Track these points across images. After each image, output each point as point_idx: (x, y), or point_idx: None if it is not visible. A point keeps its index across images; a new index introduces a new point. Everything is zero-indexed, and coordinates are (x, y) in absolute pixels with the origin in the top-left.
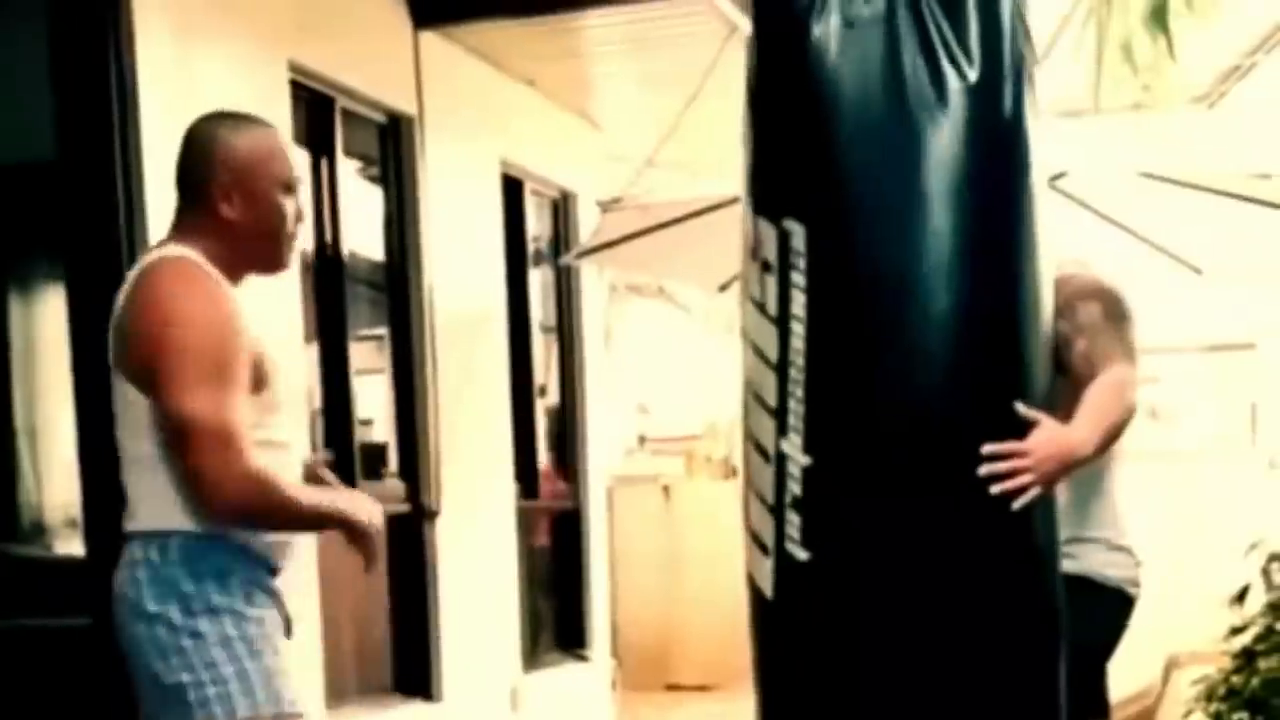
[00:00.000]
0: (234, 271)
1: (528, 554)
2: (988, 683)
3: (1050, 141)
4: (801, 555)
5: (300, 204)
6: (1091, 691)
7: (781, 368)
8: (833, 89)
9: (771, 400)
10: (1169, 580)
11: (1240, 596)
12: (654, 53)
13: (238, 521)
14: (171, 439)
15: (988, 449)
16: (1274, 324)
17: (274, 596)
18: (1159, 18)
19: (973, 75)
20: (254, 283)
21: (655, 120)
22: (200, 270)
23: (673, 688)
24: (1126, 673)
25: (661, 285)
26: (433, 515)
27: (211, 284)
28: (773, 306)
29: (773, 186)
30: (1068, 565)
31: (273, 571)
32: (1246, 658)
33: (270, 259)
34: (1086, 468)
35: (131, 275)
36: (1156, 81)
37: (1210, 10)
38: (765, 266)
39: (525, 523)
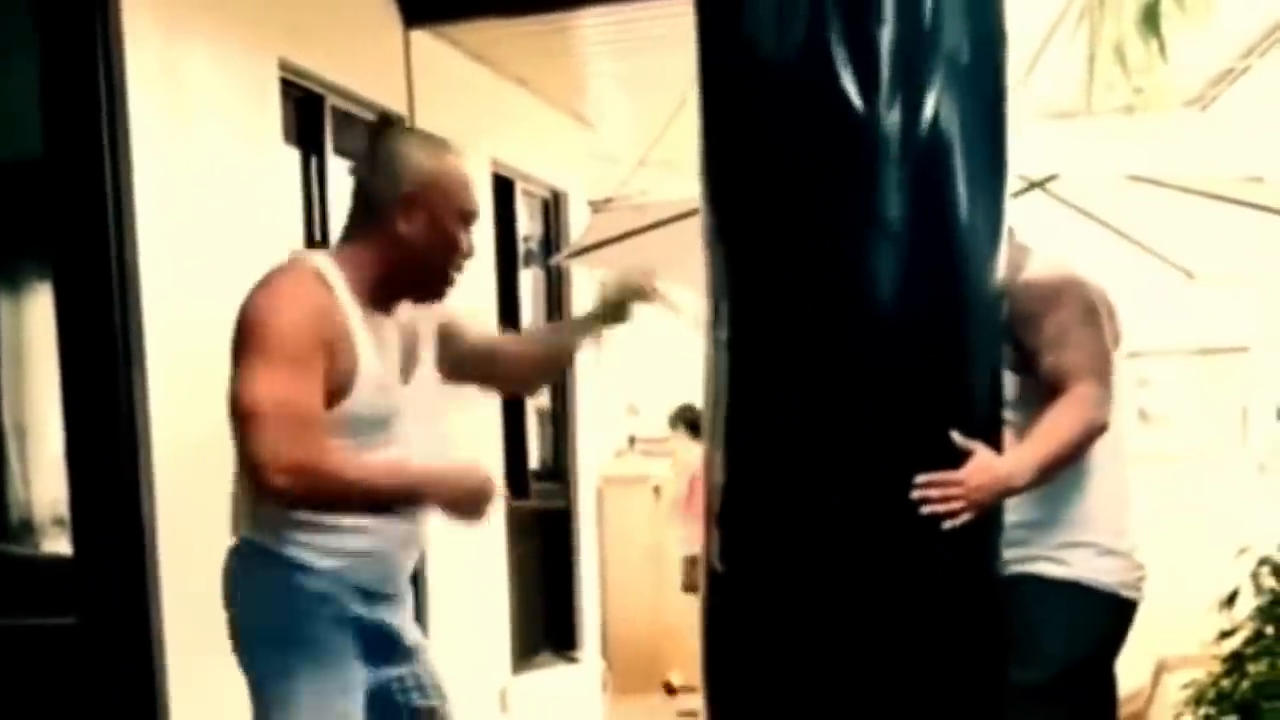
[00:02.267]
0: (389, 292)
1: (517, 555)
2: (911, 700)
3: (1042, 144)
4: (719, 568)
5: (472, 240)
6: (1096, 699)
7: (717, 388)
8: (771, 100)
9: (709, 415)
10: (1159, 583)
11: (1230, 600)
12: (646, 52)
13: (294, 505)
14: (231, 427)
15: (921, 479)
16: (1265, 328)
17: (363, 627)
18: (1151, 20)
19: (897, 89)
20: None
21: (647, 120)
22: (309, 275)
23: (663, 689)
24: (1117, 677)
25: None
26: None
27: (307, 289)
28: (709, 320)
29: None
30: (1057, 571)
31: (371, 597)
32: (1236, 661)
33: (431, 288)
34: (1071, 472)
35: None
36: (1149, 84)
37: (1203, 13)
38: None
39: (515, 523)
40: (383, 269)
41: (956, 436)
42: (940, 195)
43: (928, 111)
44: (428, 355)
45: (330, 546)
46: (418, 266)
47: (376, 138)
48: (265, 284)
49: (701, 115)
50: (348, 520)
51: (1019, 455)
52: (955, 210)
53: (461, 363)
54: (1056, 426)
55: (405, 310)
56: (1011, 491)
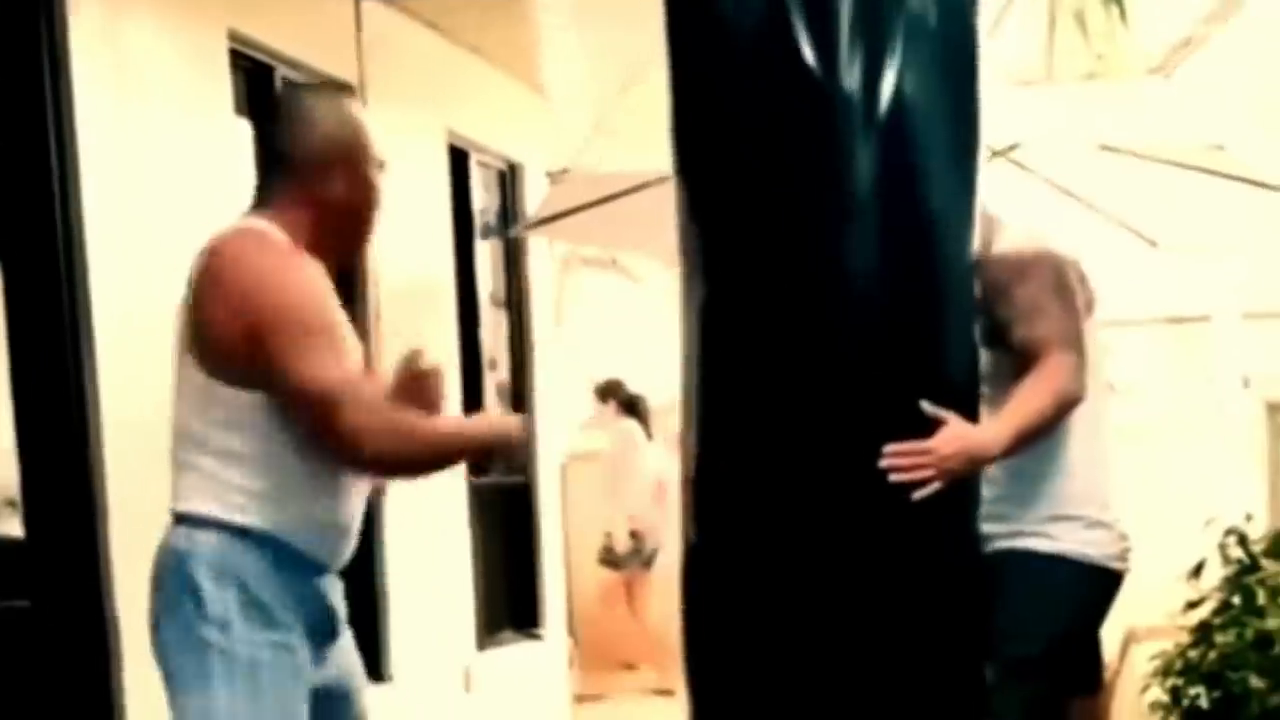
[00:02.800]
0: (320, 249)
1: (480, 532)
2: (884, 671)
3: (1003, 111)
4: (693, 538)
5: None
6: (1082, 668)
7: (698, 356)
8: (734, 69)
9: (683, 384)
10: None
11: (1197, 571)
12: (603, 22)
13: (397, 471)
14: (302, 413)
15: (890, 448)
16: (1230, 296)
17: (312, 604)
18: None
19: (858, 54)
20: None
21: (605, 90)
22: (269, 239)
23: (628, 666)
24: None
25: (615, 257)
26: (379, 492)
27: (285, 250)
28: (682, 290)
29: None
30: (1045, 546)
31: (320, 571)
32: (1203, 632)
33: (358, 238)
34: (1054, 446)
35: (200, 252)
36: (1110, 51)
37: None
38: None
39: (477, 500)
40: (315, 229)
41: (926, 405)
42: (909, 163)
43: (891, 77)
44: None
45: (312, 518)
46: (346, 222)
47: (284, 97)
48: (234, 257)
49: (670, 86)
50: (330, 490)
51: (991, 425)
52: (925, 178)
53: None
54: (1030, 397)
55: None
56: (984, 461)
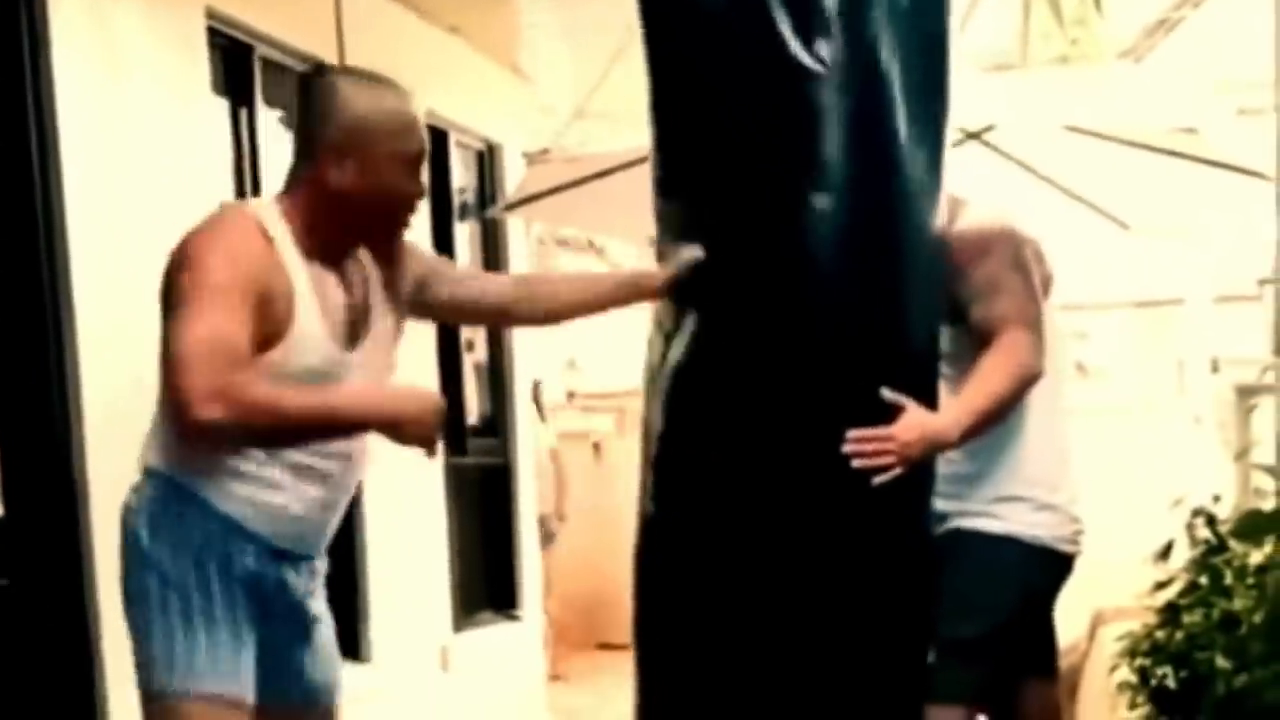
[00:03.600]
0: (331, 244)
1: (457, 512)
2: (830, 647)
3: (977, 96)
4: (651, 511)
5: (423, 182)
6: (1036, 650)
7: (668, 337)
8: (710, 46)
9: (655, 361)
10: (1096, 536)
11: (1165, 552)
12: (582, 3)
13: (224, 435)
14: (161, 371)
15: (852, 434)
16: (1200, 280)
17: (261, 581)
18: None
19: (835, 32)
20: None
21: (583, 72)
22: (240, 223)
23: (604, 646)
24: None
25: (591, 239)
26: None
27: (239, 233)
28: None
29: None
30: (992, 526)
31: (275, 555)
32: (1171, 613)
33: (375, 237)
34: (1006, 426)
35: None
36: (1084, 35)
37: None
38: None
39: (454, 480)
40: (317, 219)
41: (886, 392)
42: (880, 138)
43: (867, 56)
44: (383, 324)
45: (239, 494)
46: (355, 215)
47: (309, 79)
48: (197, 230)
49: (647, 60)
50: (264, 473)
51: (950, 410)
52: (896, 157)
53: (442, 309)
54: (988, 378)
55: (366, 269)
56: (945, 446)
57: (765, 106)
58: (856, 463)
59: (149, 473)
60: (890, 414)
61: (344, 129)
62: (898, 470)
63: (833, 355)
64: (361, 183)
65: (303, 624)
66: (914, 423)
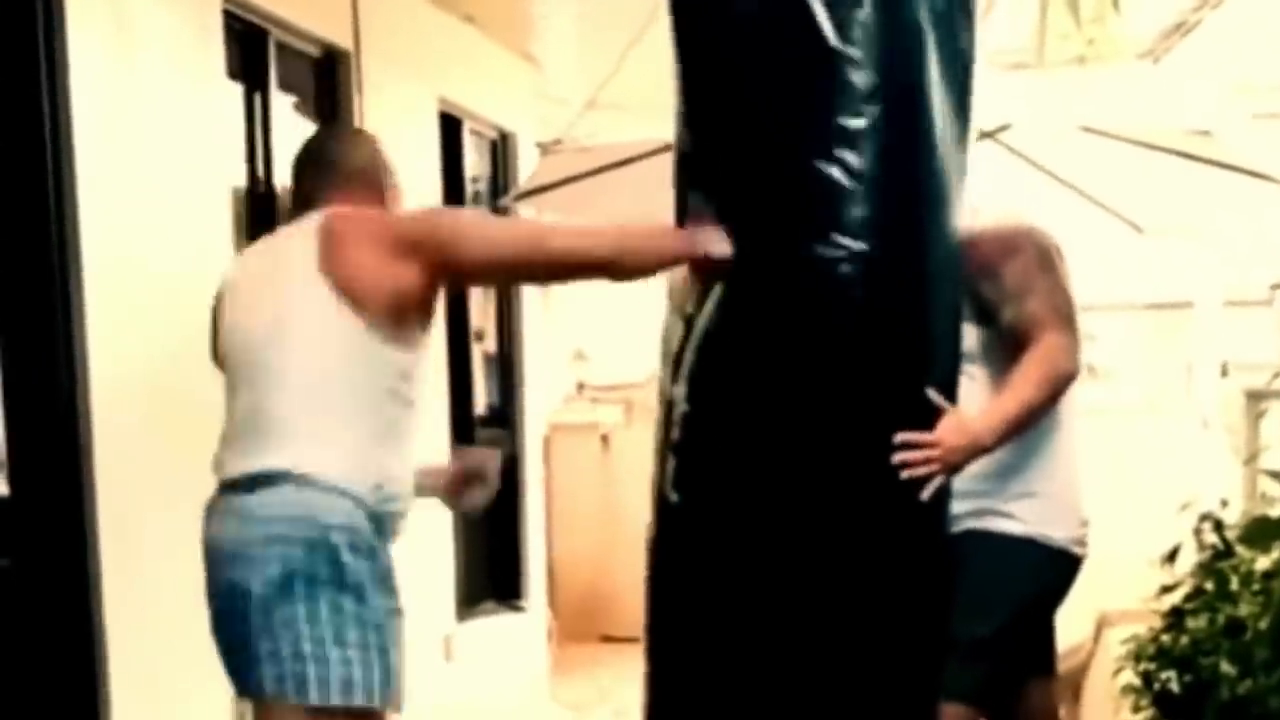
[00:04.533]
0: None
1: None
2: (856, 638)
3: (993, 95)
4: (673, 498)
5: None
6: (1036, 650)
7: (689, 319)
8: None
9: (674, 347)
10: (1103, 538)
11: (1171, 556)
12: None
13: None
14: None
15: (901, 438)
16: (1211, 283)
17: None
18: None
19: (874, 26)
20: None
21: (597, 61)
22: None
23: (608, 639)
24: (1058, 631)
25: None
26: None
27: None
28: None
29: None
30: (1007, 526)
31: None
32: (1176, 617)
33: None
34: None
35: (317, 221)
36: (1100, 35)
37: None
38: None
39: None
40: None
41: (933, 394)
42: (910, 133)
43: (904, 53)
44: None
45: (371, 480)
46: None
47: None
48: (370, 210)
49: (675, 46)
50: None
51: (987, 414)
52: (925, 151)
53: None
54: (1024, 381)
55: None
56: (983, 450)
57: (797, 89)
58: (904, 473)
59: (333, 488)
60: (923, 407)
61: (388, 171)
62: (941, 478)
63: (862, 345)
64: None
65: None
66: (956, 427)
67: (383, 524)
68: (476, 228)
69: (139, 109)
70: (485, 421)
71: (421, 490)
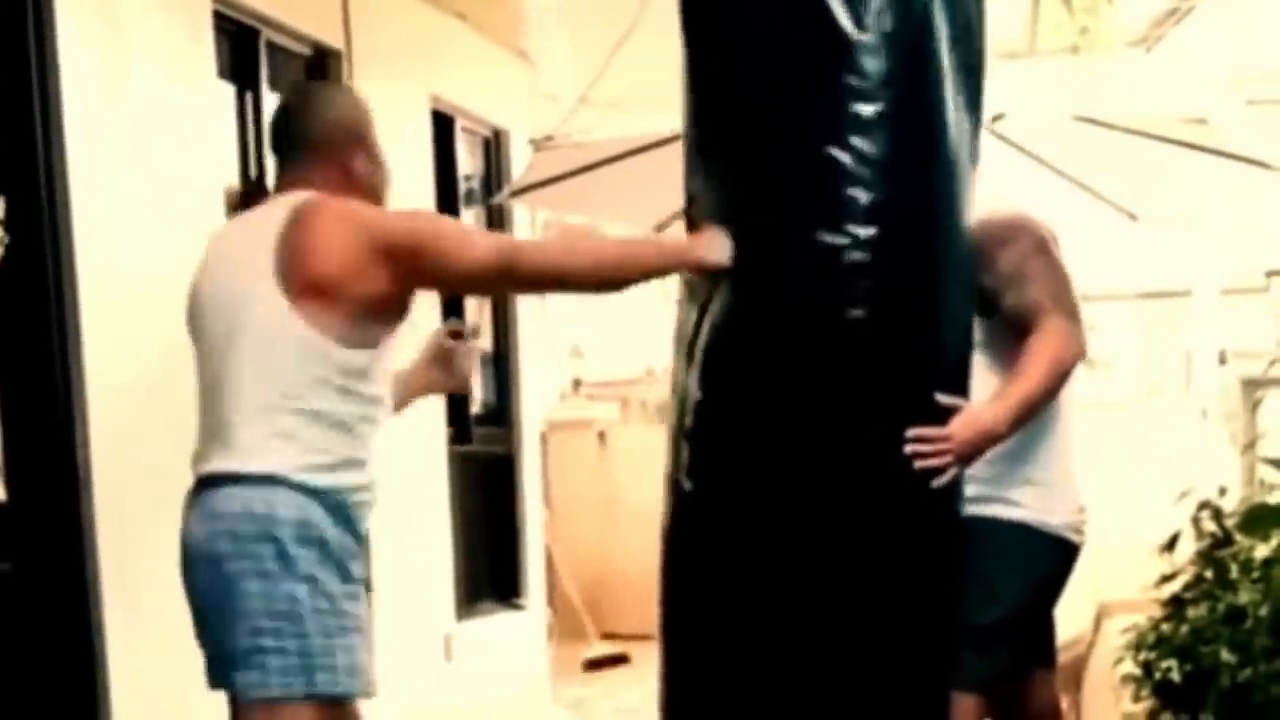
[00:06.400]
0: None
1: (460, 500)
2: (870, 624)
3: (987, 84)
4: (687, 486)
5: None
6: (1037, 641)
7: (704, 306)
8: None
9: (688, 335)
10: (1102, 528)
11: (1170, 544)
12: None
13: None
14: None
15: (913, 432)
16: (1208, 271)
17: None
18: None
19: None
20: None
21: (589, 57)
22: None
23: (608, 636)
24: (1058, 620)
25: (596, 225)
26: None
27: None
28: None
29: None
30: (1008, 513)
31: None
32: (1176, 606)
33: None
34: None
35: (285, 213)
36: (1093, 24)
37: None
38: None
39: (458, 469)
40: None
41: (942, 397)
42: (923, 127)
43: (916, 40)
44: None
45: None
46: (367, 199)
47: (306, 86)
48: (346, 206)
49: (683, 33)
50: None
51: (996, 405)
52: (936, 143)
53: None
54: (1031, 367)
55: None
56: (994, 441)
57: (809, 76)
58: (917, 464)
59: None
60: (935, 391)
61: (360, 129)
62: (954, 471)
63: (873, 332)
64: (373, 168)
65: None
66: (969, 421)
67: (344, 513)
68: (454, 241)
69: (130, 109)
70: (482, 419)
71: (411, 392)
